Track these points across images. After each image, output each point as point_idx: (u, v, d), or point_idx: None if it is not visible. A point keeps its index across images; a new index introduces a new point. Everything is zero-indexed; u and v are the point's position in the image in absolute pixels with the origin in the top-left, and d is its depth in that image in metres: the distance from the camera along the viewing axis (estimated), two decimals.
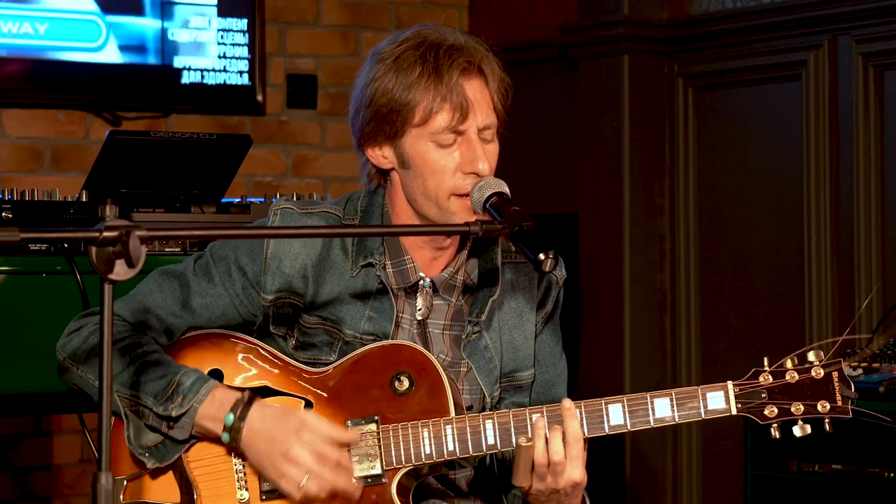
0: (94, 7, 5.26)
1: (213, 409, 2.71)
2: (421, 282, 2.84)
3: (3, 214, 3.21)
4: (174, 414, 2.71)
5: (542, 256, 2.57)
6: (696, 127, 5.44)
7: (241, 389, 2.75)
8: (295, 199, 3.15)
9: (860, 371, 4.09)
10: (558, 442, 2.66)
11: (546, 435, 2.66)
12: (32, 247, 3.22)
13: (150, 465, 2.76)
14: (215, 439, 2.74)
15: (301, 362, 2.82)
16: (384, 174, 2.84)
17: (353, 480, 2.71)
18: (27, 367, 3.22)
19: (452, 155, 2.74)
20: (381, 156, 2.80)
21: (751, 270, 5.25)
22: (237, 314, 2.85)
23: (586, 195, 5.57)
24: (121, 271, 2.10)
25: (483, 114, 2.75)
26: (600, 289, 5.46)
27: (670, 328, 5.45)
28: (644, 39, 5.45)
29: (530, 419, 2.70)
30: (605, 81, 5.50)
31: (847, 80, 4.97)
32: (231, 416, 2.69)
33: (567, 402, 2.69)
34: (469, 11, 6.16)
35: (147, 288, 2.86)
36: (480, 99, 2.75)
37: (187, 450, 2.77)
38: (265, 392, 2.78)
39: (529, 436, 2.68)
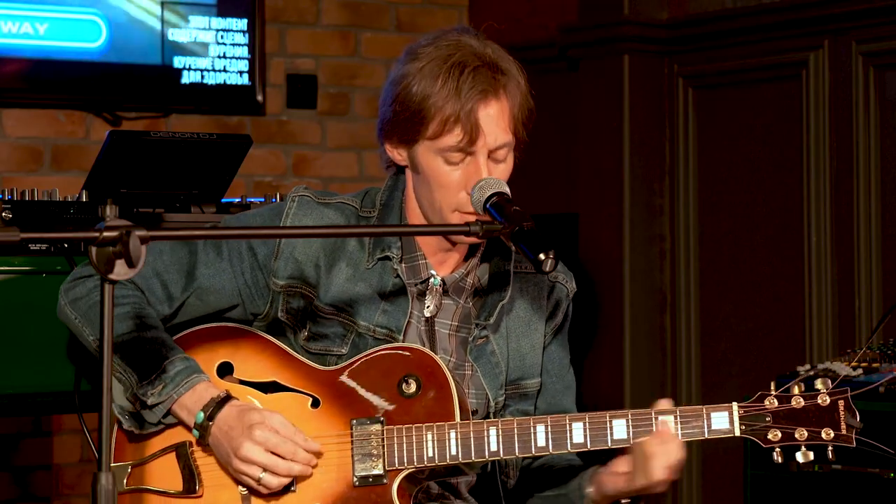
0: (95, 7, 5.27)
1: (192, 401, 2.73)
2: (431, 280, 2.85)
3: (3, 214, 3.21)
4: (150, 402, 2.73)
5: (542, 256, 2.57)
6: (696, 127, 5.44)
7: (234, 381, 2.78)
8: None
9: (860, 371, 4.08)
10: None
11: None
12: (32, 247, 3.22)
13: (126, 425, 2.78)
14: None
15: (312, 354, 2.83)
16: (400, 167, 2.87)
17: (355, 480, 2.72)
18: (27, 367, 3.22)
19: (458, 172, 2.74)
20: (397, 153, 2.83)
21: (751, 270, 5.25)
22: (237, 294, 2.86)
23: (586, 195, 5.57)
24: (121, 271, 2.10)
25: (493, 136, 2.74)
26: (600, 289, 5.46)
27: (670, 328, 5.44)
28: (644, 39, 5.45)
29: (534, 429, 2.71)
30: (605, 81, 5.50)
31: (847, 80, 4.97)
32: (201, 415, 2.72)
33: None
34: (469, 11, 6.16)
35: (157, 248, 2.87)
36: (497, 120, 2.74)
37: (190, 444, 2.78)
38: (275, 387, 2.80)
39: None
